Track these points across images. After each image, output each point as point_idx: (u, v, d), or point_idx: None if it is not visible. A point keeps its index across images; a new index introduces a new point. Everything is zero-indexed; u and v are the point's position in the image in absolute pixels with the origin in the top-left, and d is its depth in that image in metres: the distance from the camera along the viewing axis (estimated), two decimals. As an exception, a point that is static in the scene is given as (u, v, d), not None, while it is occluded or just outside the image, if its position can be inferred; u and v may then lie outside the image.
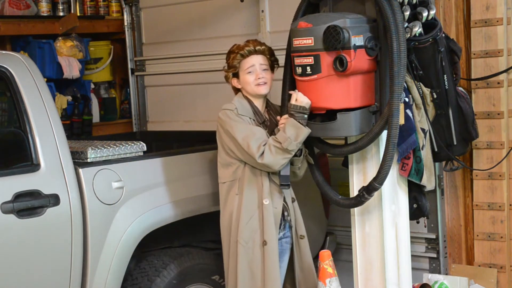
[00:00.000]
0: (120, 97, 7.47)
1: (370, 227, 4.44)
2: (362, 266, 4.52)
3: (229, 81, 4.59)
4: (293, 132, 4.25)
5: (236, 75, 4.54)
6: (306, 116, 4.28)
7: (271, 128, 4.49)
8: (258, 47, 4.52)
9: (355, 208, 4.45)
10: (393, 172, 4.35)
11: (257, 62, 4.48)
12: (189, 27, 6.45)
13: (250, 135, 4.33)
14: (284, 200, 4.47)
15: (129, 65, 6.97)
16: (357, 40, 4.11)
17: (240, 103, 4.49)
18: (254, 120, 4.46)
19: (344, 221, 5.19)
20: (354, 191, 4.42)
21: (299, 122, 4.25)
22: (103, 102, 7.20)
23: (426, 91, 4.49)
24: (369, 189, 4.21)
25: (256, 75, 4.47)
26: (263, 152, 4.28)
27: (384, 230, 4.39)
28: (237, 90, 4.59)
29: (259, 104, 4.54)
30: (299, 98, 4.26)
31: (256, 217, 4.37)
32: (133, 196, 4.40)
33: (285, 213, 4.48)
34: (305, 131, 4.26)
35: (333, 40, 4.06)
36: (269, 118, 4.54)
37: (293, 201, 4.54)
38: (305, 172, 4.55)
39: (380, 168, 4.15)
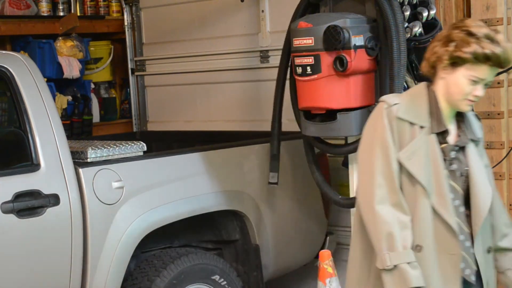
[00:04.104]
0: (120, 97, 7.46)
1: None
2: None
3: (439, 63, 3.13)
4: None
5: (454, 65, 3.09)
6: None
7: (458, 167, 3.16)
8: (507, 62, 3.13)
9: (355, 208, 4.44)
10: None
11: (491, 77, 3.14)
12: (189, 27, 6.45)
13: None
14: None
15: (129, 65, 6.97)
16: (357, 40, 4.12)
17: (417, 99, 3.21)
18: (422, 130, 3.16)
19: (344, 221, 5.19)
20: (354, 191, 4.41)
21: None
22: (103, 102, 7.20)
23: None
24: None
25: (476, 90, 3.11)
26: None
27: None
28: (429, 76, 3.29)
29: (447, 112, 3.19)
30: None
31: None
32: (133, 196, 4.39)
33: None
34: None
35: (333, 40, 4.07)
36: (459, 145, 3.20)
37: None
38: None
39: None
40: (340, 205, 4.46)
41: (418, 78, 4.45)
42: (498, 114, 4.99)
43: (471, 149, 3.19)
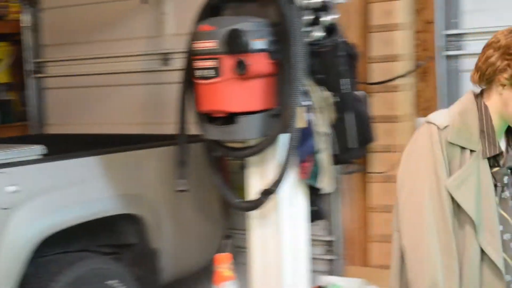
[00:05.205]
0: (18, 100, 7.33)
1: (268, 230, 4.45)
2: (259, 269, 4.52)
3: (496, 79, 2.70)
4: None
5: None
6: None
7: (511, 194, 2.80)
8: None
9: (253, 211, 4.45)
10: (292, 175, 4.37)
11: None
12: (91, 29, 6.37)
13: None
14: None
15: (28, 67, 6.84)
16: (259, 43, 4.14)
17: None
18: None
19: (242, 224, 5.20)
20: (251, 194, 4.42)
21: None
22: (0, 105, 7.06)
23: (327, 95, 4.53)
24: (266, 192, 4.23)
25: None
26: None
27: (282, 233, 4.41)
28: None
29: (500, 129, 2.77)
30: None
31: None
32: (30, 200, 4.28)
33: None
34: None
35: (235, 43, 4.09)
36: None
37: None
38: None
39: (278, 171, 4.18)
40: (237, 208, 4.48)
41: (319, 82, 4.50)
42: (395, 118, 5.09)
43: None
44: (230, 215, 5.41)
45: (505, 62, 2.62)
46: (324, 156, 4.50)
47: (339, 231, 5.32)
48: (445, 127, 2.66)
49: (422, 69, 5.03)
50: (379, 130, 5.09)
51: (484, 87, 2.72)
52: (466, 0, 5.01)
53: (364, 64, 5.18)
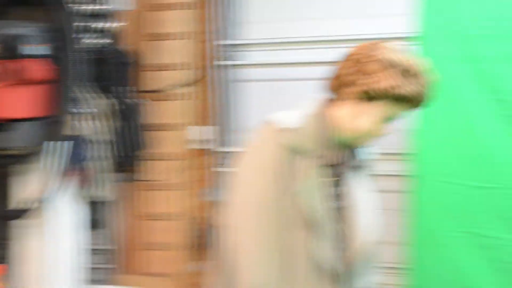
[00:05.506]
0: None
1: (33, 240, 4.33)
2: (29, 280, 4.41)
3: (348, 91, 2.64)
4: None
5: (366, 99, 2.62)
6: None
7: (345, 202, 2.80)
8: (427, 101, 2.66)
9: (18, 221, 4.30)
10: (63, 183, 4.28)
11: (404, 114, 2.69)
12: None
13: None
14: None
15: None
16: (36, 49, 4.07)
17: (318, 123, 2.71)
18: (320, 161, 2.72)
19: (11, 234, 5.05)
20: (16, 203, 4.27)
21: None
22: None
23: (106, 102, 4.52)
24: (32, 201, 4.14)
25: (385, 128, 2.67)
26: None
27: (51, 243, 4.32)
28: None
29: (343, 141, 2.74)
30: None
31: None
32: None
33: None
34: None
35: (11, 48, 3.99)
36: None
37: None
38: None
39: (47, 179, 4.11)
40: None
41: (99, 89, 4.46)
42: (170, 126, 5.17)
43: (359, 179, 2.79)
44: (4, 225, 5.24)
45: (358, 77, 2.59)
46: (104, 164, 4.48)
47: (116, 240, 5.30)
48: (290, 129, 2.60)
49: (198, 79, 5.13)
50: (156, 138, 5.14)
51: (335, 96, 2.68)
52: (246, 11, 5.17)
53: (142, 72, 5.21)
